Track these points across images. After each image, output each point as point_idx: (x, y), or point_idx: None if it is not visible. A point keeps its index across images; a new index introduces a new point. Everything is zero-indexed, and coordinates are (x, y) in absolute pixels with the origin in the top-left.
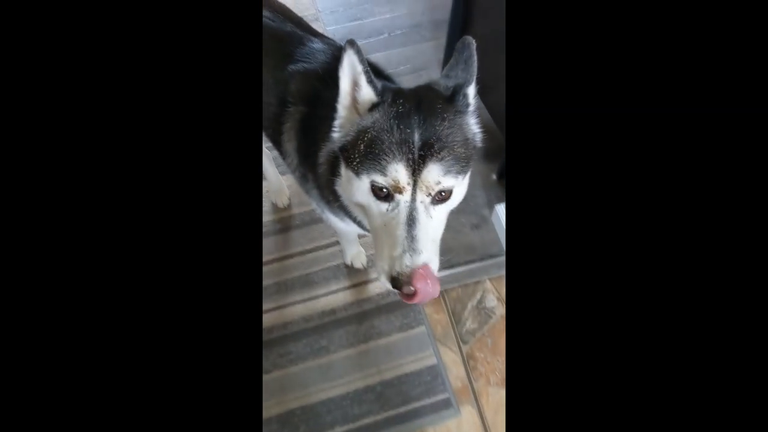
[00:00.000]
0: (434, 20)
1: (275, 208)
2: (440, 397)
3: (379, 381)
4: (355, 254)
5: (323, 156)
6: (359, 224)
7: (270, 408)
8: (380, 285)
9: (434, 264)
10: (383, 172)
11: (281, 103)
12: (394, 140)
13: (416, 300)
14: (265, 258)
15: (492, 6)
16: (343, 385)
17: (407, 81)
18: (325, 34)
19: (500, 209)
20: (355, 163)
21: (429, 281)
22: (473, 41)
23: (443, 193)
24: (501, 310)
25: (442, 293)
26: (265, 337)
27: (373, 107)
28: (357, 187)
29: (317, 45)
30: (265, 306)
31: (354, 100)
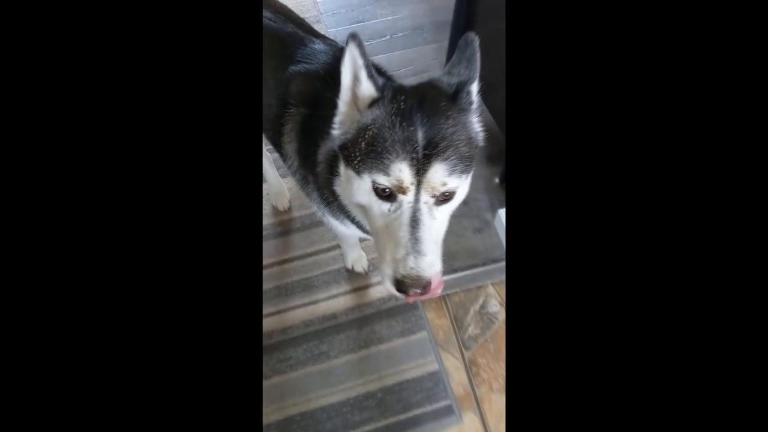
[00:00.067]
0: (436, 22)
1: (275, 211)
2: (442, 403)
3: (380, 387)
4: (356, 258)
5: (322, 154)
6: (359, 227)
7: (269, 414)
8: (381, 289)
9: (437, 266)
10: (386, 172)
11: (282, 105)
12: (396, 138)
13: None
14: (265, 261)
15: (495, 8)
16: (344, 391)
17: (409, 83)
18: (327, 35)
19: (503, 213)
20: (355, 162)
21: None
22: (476, 38)
23: (447, 194)
24: (504, 316)
25: (443, 298)
26: (265, 341)
27: (373, 103)
28: (357, 187)
29: (319, 46)
30: (265, 310)
31: (354, 96)
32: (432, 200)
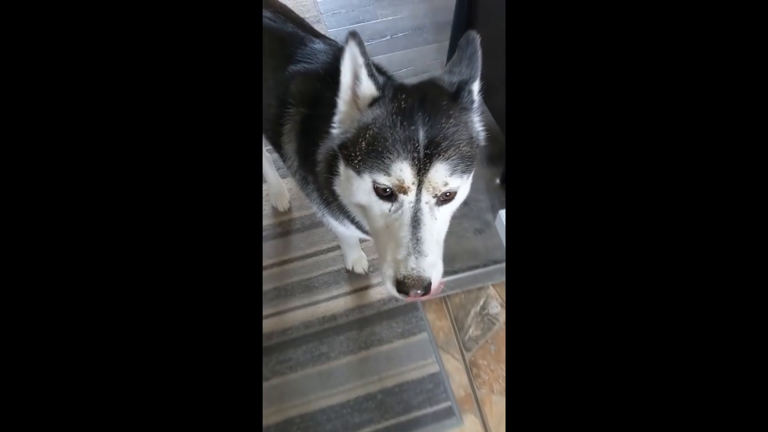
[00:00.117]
0: (437, 23)
1: (275, 211)
2: (442, 405)
3: (380, 389)
4: (357, 259)
5: (321, 154)
6: (359, 227)
7: (268, 416)
8: (382, 290)
9: (439, 266)
10: (387, 172)
11: (281, 105)
12: (398, 138)
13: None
14: (264, 262)
15: (496, 8)
16: (344, 392)
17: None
18: (327, 35)
19: (504, 214)
20: (356, 162)
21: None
22: (477, 36)
23: (448, 194)
24: (505, 317)
25: (444, 299)
26: (264, 343)
27: (374, 102)
28: (357, 187)
29: (319, 45)
30: (265, 311)
31: (354, 95)
32: (433, 200)
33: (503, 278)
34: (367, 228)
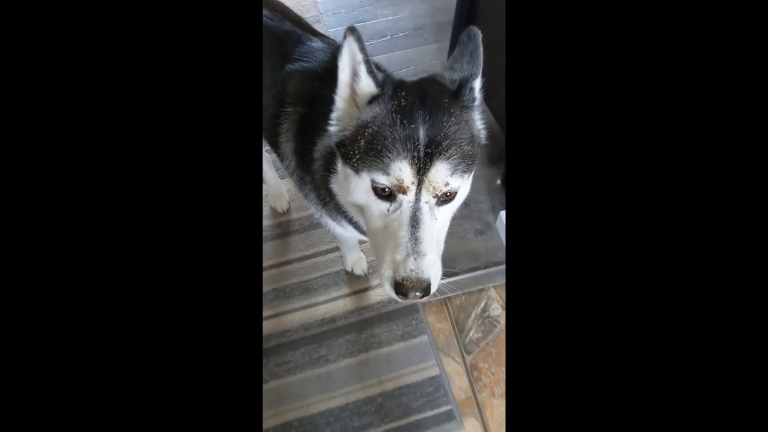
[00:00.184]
0: (437, 22)
1: (274, 212)
2: (443, 409)
3: (380, 392)
4: (356, 260)
5: (319, 151)
6: (357, 228)
7: (266, 420)
8: (381, 292)
9: (438, 266)
10: (386, 171)
11: (279, 104)
12: (397, 136)
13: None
14: (263, 264)
15: (497, 8)
16: (343, 396)
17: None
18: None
19: (505, 215)
20: (354, 160)
21: None
22: (479, 32)
23: (449, 194)
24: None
25: (444, 301)
26: (263, 345)
27: (373, 100)
28: (356, 185)
29: (316, 44)
30: (263, 313)
31: (353, 92)
32: (433, 200)
33: (504, 280)
34: (365, 228)
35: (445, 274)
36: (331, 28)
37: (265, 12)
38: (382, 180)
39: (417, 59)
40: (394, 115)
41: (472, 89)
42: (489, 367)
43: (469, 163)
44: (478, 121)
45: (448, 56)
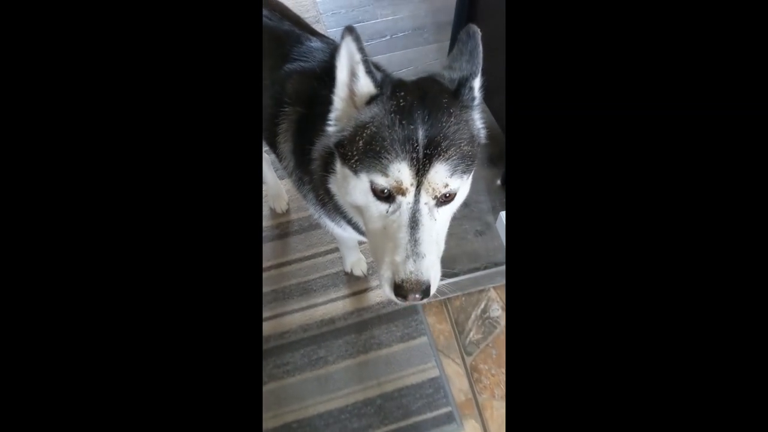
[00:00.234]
0: (437, 23)
1: (273, 213)
2: (443, 410)
3: (379, 394)
4: (355, 261)
5: (317, 151)
6: (356, 229)
7: (266, 421)
8: (381, 293)
9: (437, 267)
10: (384, 172)
11: (277, 104)
12: (396, 137)
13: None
14: (262, 264)
15: (497, 8)
16: (342, 397)
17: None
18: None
19: (505, 216)
20: (353, 161)
21: None
22: (478, 30)
23: (448, 195)
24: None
25: (444, 302)
26: (262, 346)
27: (372, 100)
28: (354, 186)
29: (315, 44)
30: (263, 314)
31: (351, 92)
32: (433, 201)
33: (504, 281)
34: (364, 229)
35: (445, 275)
36: (331, 29)
37: (264, 12)
38: (381, 181)
39: (417, 59)
40: (392, 115)
41: (471, 88)
42: (489, 369)
43: (469, 163)
44: (477, 120)
45: (448, 56)
